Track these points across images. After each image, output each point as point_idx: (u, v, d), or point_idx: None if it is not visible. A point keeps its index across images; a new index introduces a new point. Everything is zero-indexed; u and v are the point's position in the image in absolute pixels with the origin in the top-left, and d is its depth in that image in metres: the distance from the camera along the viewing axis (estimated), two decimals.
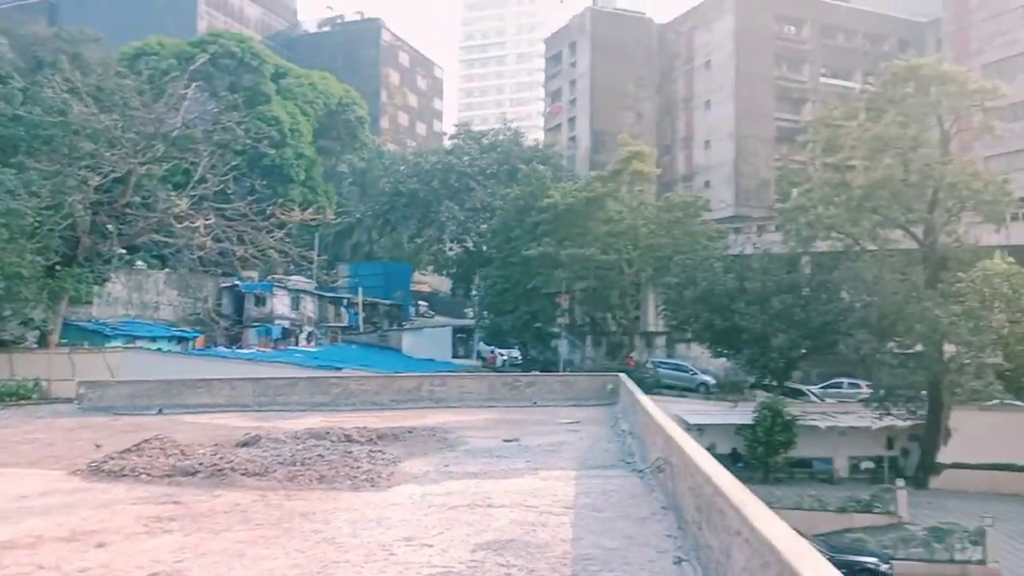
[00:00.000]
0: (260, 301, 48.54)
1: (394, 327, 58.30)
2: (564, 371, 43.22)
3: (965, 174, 34.24)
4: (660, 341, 51.36)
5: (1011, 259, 36.06)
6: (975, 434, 32.97)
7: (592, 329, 53.45)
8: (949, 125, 35.93)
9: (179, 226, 31.55)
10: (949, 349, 32.69)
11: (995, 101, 35.79)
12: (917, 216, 35.12)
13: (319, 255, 48.16)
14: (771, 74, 62.79)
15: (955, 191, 33.93)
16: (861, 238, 36.54)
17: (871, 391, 35.62)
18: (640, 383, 27.71)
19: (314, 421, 17.27)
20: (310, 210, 36.84)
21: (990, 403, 33.88)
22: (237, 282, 46.70)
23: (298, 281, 51.15)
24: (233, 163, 34.18)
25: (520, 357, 50.51)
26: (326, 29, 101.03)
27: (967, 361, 31.93)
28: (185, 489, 10.32)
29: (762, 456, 34.23)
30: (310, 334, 51.10)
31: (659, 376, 43.66)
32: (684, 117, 67.82)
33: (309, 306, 52.01)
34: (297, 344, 48.55)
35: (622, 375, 21.68)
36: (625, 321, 49.57)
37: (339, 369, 35.69)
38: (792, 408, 35.19)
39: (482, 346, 53.22)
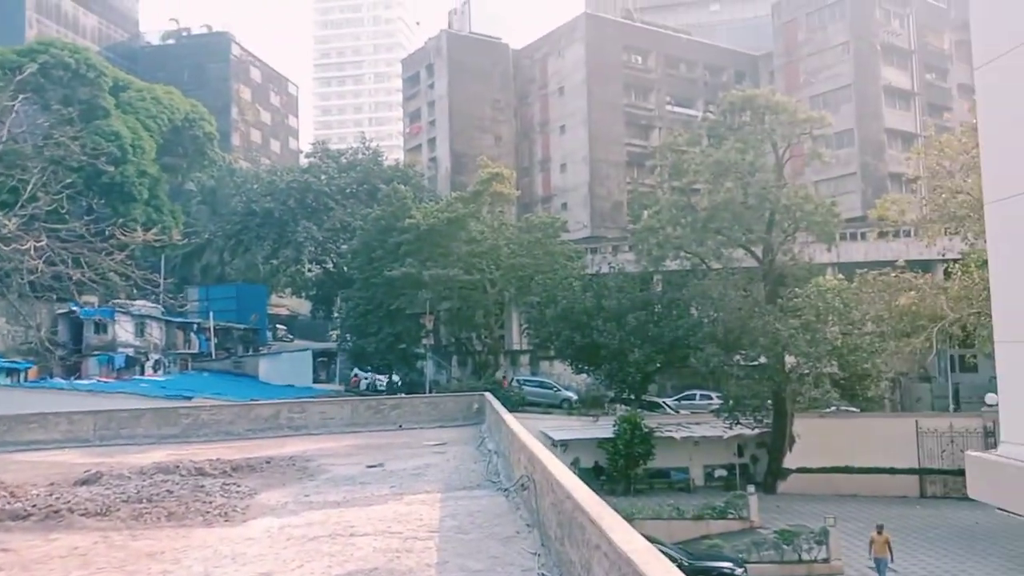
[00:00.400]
0: (101, 328, 45.37)
1: (250, 352, 55.99)
2: (430, 392, 42.92)
3: (798, 197, 36.76)
4: (524, 359, 52.07)
5: (841, 276, 39.12)
6: (816, 439, 35.26)
7: (458, 349, 53.43)
8: (782, 151, 38.52)
9: (7, 248, 29.04)
10: (790, 360, 34.77)
11: (822, 130, 38.74)
12: (756, 236, 37.34)
13: (166, 278, 45.73)
14: (621, 101, 65.43)
15: (789, 213, 36.34)
16: (707, 257, 38.49)
17: (721, 402, 37.44)
18: (506, 401, 27.97)
19: (162, 454, 16.31)
20: (154, 230, 34.94)
21: (828, 410, 36.42)
22: (75, 308, 43.53)
23: (143, 306, 48.18)
24: (68, 181, 31.99)
25: (400, 381, 48.78)
26: (171, 42, 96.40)
27: (806, 371, 34.08)
28: (15, 535, 9.45)
29: (623, 468, 35.20)
30: (157, 362, 48.22)
31: (524, 393, 44.19)
32: (541, 140, 69.49)
33: (155, 332, 49.10)
34: (143, 373, 45.69)
35: (487, 394, 21.77)
36: (490, 340, 49.90)
37: (189, 399, 34.01)
38: (649, 420, 36.42)
39: (358, 372, 51.57)
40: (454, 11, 75.22)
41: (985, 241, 19.59)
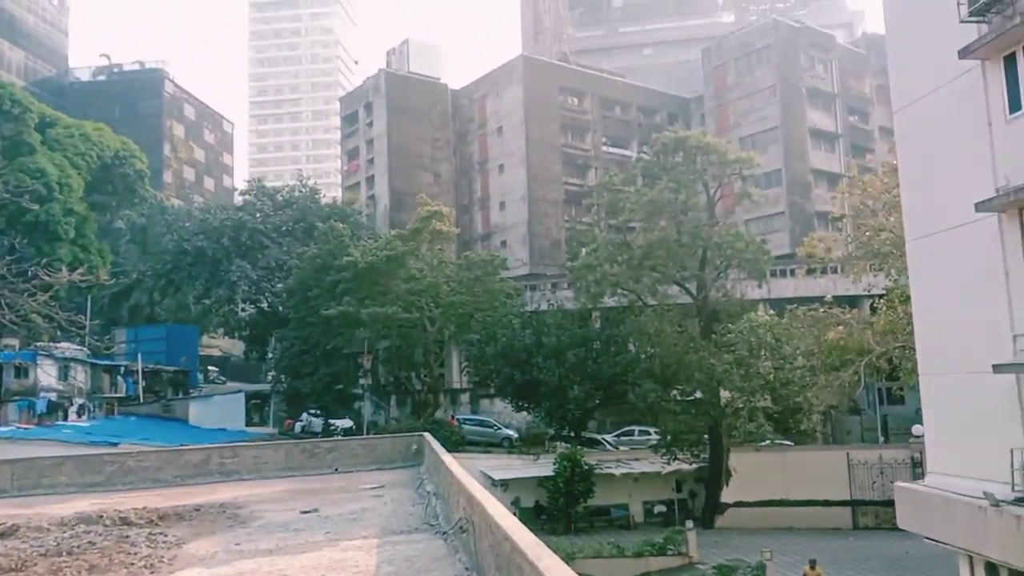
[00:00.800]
0: (21, 372, 43.49)
1: (180, 395, 54.30)
2: (368, 433, 42.16)
3: (729, 235, 37.69)
4: (465, 397, 51.71)
5: (772, 311, 40.08)
6: (752, 473, 35.72)
7: (397, 388, 52.75)
8: (714, 191, 39.55)
9: None
10: (725, 395, 35.27)
11: (751, 170, 39.95)
12: (690, 273, 38.07)
13: (92, 319, 44.19)
14: (558, 141, 66.52)
15: (721, 250, 37.20)
16: (643, 294, 39.03)
17: (659, 437, 37.72)
18: (446, 441, 27.64)
19: (85, 504, 15.60)
20: (81, 270, 33.71)
21: (763, 443, 37.01)
22: None
23: (67, 348, 46.42)
24: None
25: (353, 426, 46.48)
26: (101, 78, 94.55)
27: (740, 405, 34.58)
28: None
29: (564, 507, 35.02)
30: (81, 407, 46.35)
31: (464, 432, 43.78)
32: (480, 179, 69.97)
33: (80, 376, 47.26)
34: (66, 419, 43.87)
35: (426, 434, 21.49)
36: (430, 379, 49.42)
37: (115, 444, 32.81)
38: (589, 457, 36.42)
39: (305, 416, 50.08)
40: (392, 51, 75.67)
41: (908, 277, 20.40)
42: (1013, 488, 13.87)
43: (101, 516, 13.38)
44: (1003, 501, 13.83)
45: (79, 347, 47.82)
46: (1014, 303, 14.51)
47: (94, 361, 49.01)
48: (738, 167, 39.00)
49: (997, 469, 14.22)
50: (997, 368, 14.27)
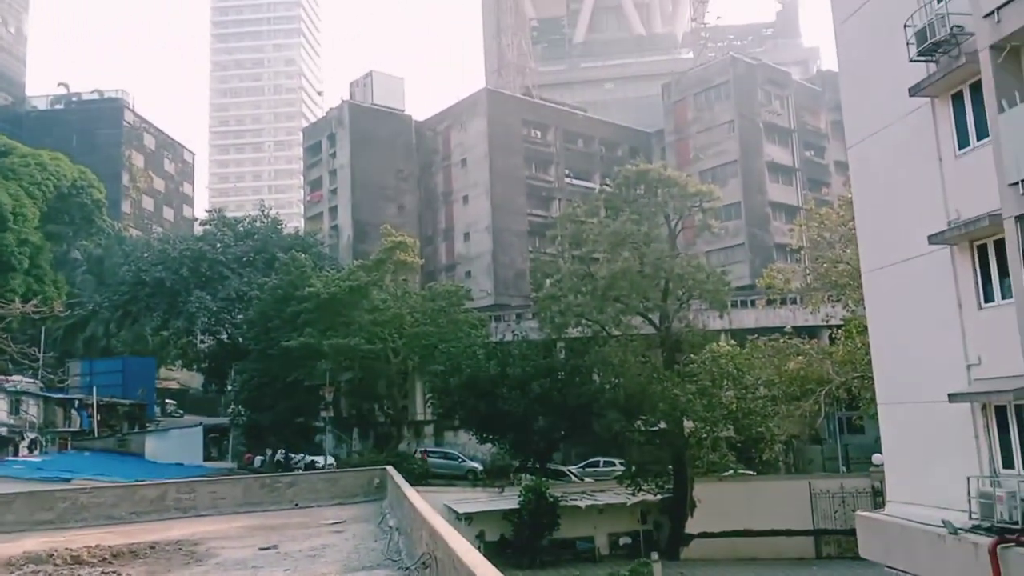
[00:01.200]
0: None
1: (136, 429, 53.05)
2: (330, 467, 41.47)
3: (690, 266, 38.14)
4: (429, 429, 51.24)
5: (734, 342, 40.47)
6: (716, 504, 35.73)
7: (359, 421, 52.13)
8: (675, 223, 40.10)
9: None
10: (688, 425, 35.35)
11: (711, 203, 40.61)
12: (653, 304, 38.35)
13: (46, 352, 43.18)
14: (522, 173, 67.11)
15: (683, 281, 37.58)
16: (607, 324, 39.20)
17: (624, 468, 37.65)
18: (409, 474, 27.32)
19: (35, 543, 15.10)
20: (34, 301, 33.08)
21: (726, 473, 37.14)
22: None
23: (19, 381, 45.20)
24: None
25: (335, 461, 45.25)
26: (59, 107, 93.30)
27: (704, 435, 34.67)
28: None
29: (529, 540, 34.67)
30: (33, 441, 45.02)
31: (428, 465, 43.31)
32: (444, 210, 70.17)
33: (32, 410, 45.95)
34: (17, 454, 42.57)
35: (389, 468, 21.23)
36: (393, 411, 48.93)
37: (68, 480, 31.90)
38: (554, 489, 36.21)
39: (280, 452, 48.96)
40: (356, 82, 75.96)
41: (865, 308, 20.79)
42: (970, 516, 14.08)
43: (52, 555, 12.97)
44: (961, 529, 14.03)
45: (31, 380, 46.64)
46: (967, 333, 14.85)
47: (47, 394, 47.77)
48: (698, 200, 39.63)
49: (955, 497, 14.43)
50: (952, 397, 14.55)
